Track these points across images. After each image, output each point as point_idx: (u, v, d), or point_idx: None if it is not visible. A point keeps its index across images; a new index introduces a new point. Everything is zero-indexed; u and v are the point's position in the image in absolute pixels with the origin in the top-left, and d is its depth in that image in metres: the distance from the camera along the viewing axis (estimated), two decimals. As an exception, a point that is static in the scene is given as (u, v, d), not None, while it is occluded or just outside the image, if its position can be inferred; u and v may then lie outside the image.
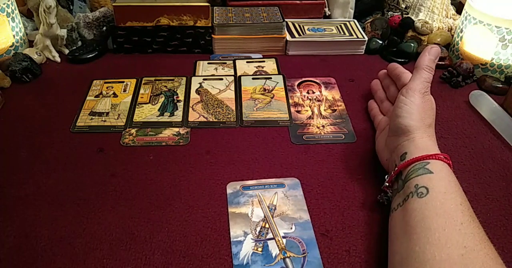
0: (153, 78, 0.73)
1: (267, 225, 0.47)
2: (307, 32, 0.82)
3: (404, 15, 0.86)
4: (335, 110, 0.67)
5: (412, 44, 0.80)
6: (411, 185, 0.44)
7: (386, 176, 0.49)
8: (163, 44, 0.80)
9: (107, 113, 0.65)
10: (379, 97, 0.64)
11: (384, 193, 0.50)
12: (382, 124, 0.59)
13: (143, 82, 0.72)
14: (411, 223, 0.40)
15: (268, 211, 0.49)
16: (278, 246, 0.45)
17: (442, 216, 0.39)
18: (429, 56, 0.53)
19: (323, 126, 0.63)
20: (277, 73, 0.75)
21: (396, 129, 0.50)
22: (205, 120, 0.64)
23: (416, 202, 0.41)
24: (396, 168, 0.47)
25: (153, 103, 0.67)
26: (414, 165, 0.45)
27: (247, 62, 0.78)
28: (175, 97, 0.68)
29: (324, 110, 0.67)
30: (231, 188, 0.52)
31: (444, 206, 0.40)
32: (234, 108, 0.66)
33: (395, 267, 0.39)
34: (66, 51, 0.80)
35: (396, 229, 0.42)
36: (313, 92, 0.71)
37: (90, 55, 0.78)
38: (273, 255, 0.44)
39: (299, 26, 0.84)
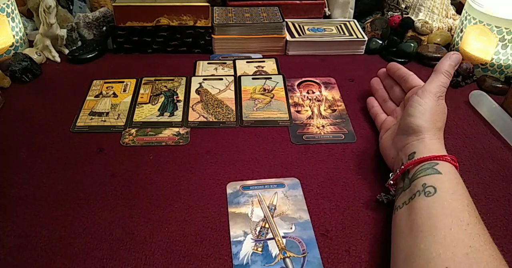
0: (153, 78, 0.73)
1: (267, 225, 0.47)
2: (307, 32, 0.82)
3: (404, 15, 0.86)
4: (335, 110, 0.67)
5: (412, 44, 0.80)
6: (418, 184, 0.44)
7: (390, 174, 0.50)
8: (163, 44, 0.80)
9: (107, 113, 0.65)
10: (381, 96, 0.64)
11: (385, 192, 0.50)
12: (387, 124, 0.59)
13: (143, 82, 0.72)
14: (417, 221, 0.40)
15: (268, 211, 0.49)
16: (278, 246, 0.45)
17: (449, 215, 0.39)
18: (450, 62, 0.54)
19: (323, 126, 0.63)
20: (277, 73, 0.75)
21: (407, 128, 0.51)
22: (205, 120, 0.64)
23: (423, 201, 0.42)
24: (403, 167, 0.47)
25: (153, 103, 0.67)
26: (422, 164, 0.45)
27: (247, 62, 0.78)
28: (175, 97, 0.68)
29: (324, 110, 0.67)
30: (231, 188, 0.52)
31: (451, 206, 0.40)
32: (234, 108, 0.66)
33: (399, 264, 0.39)
34: (66, 51, 0.80)
35: (401, 227, 0.42)
36: (313, 92, 0.71)
37: (90, 55, 0.78)
38: (273, 255, 0.44)
39: (299, 26, 0.84)
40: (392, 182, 0.49)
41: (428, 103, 0.51)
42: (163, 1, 0.77)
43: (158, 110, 0.66)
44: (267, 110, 0.66)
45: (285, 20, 0.80)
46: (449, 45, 0.82)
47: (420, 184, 0.43)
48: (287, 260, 0.44)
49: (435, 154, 0.46)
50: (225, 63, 0.78)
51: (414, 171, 0.46)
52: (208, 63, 0.78)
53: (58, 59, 0.78)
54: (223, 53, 0.81)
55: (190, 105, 0.67)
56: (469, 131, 0.63)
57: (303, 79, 0.74)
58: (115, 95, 0.69)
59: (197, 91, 0.70)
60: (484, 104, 0.66)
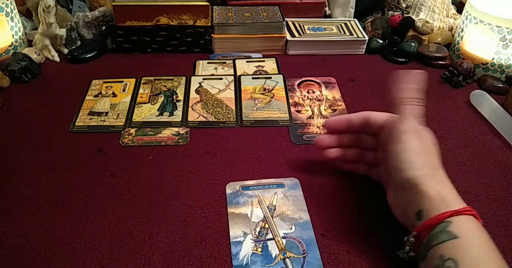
0: (152, 78, 0.72)
1: (266, 226, 0.47)
2: (307, 31, 0.82)
3: (405, 15, 0.85)
4: (336, 110, 0.66)
5: (413, 44, 0.79)
6: (435, 255, 0.37)
7: (406, 238, 0.41)
8: (163, 44, 0.80)
9: (106, 113, 0.65)
10: (345, 144, 0.52)
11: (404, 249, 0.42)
12: (383, 178, 0.48)
13: (142, 81, 0.72)
14: None
15: (267, 211, 0.49)
16: (278, 246, 0.45)
17: None
18: (408, 86, 0.45)
19: (323, 126, 0.63)
20: (277, 72, 0.75)
21: (401, 184, 0.42)
22: (204, 119, 0.64)
23: None
24: (414, 232, 0.40)
25: (152, 102, 0.67)
26: (434, 228, 0.38)
27: (247, 61, 0.78)
28: (174, 96, 0.68)
29: (325, 110, 0.66)
30: (230, 188, 0.52)
31: None
32: (234, 107, 0.66)
33: None
34: (65, 51, 0.80)
35: None
36: (313, 92, 0.70)
37: (89, 55, 0.78)
38: (273, 255, 0.44)
39: (299, 25, 0.84)
40: (408, 248, 0.41)
41: (411, 146, 0.42)
42: (162, 1, 0.76)
43: (158, 110, 0.65)
44: (267, 110, 0.66)
45: (285, 19, 0.80)
46: (450, 45, 0.82)
47: (437, 256, 0.36)
48: (287, 260, 0.43)
49: (443, 210, 0.38)
50: (225, 62, 0.78)
51: (427, 237, 0.38)
52: (208, 63, 0.78)
53: (57, 59, 0.78)
54: (223, 52, 0.81)
55: (190, 104, 0.67)
56: (470, 131, 0.63)
57: (303, 78, 0.73)
58: (114, 94, 0.69)
59: (197, 91, 0.70)
60: (485, 104, 0.66)
